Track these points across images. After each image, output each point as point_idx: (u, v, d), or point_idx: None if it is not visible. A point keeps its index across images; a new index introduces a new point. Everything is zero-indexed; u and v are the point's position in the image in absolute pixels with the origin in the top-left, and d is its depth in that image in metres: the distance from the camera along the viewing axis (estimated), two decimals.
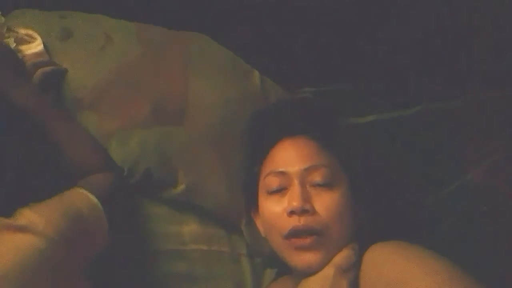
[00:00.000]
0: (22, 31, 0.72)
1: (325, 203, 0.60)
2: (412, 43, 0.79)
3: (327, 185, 0.61)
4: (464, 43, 0.77)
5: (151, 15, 0.78)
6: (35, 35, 0.72)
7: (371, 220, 0.63)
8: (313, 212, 0.59)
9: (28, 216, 0.51)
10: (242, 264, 0.71)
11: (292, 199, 0.60)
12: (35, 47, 0.71)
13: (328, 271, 0.58)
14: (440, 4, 0.77)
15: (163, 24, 0.78)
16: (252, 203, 0.67)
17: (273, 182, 0.62)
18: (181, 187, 0.70)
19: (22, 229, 0.49)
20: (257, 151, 0.66)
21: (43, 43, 0.71)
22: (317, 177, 0.60)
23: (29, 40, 0.71)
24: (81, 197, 0.57)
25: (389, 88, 0.79)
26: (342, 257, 0.59)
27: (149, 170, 0.69)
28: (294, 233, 0.59)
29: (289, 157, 0.62)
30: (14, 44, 0.70)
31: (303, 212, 0.59)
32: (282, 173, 0.62)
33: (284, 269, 0.67)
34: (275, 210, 0.61)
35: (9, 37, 0.70)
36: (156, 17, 0.78)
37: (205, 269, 0.69)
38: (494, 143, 0.73)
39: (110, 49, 0.74)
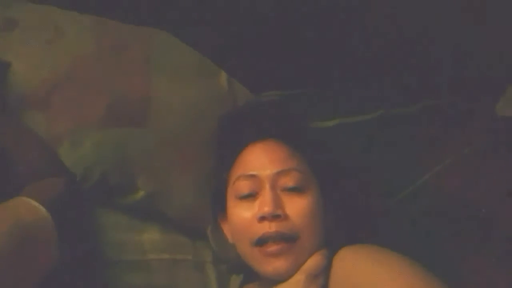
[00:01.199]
0: None
1: (296, 208, 0.59)
2: (373, 49, 0.80)
3: (298, 190, 0.59)
4: (422, 50, 0.79)
5: (107, 9, 0.73)
6: None
7: (340, 224, 0.63)
8: (284, 217, 0.58)
9: None
10: (207, 272, 0.68)
11: (263, 204, 0.58)
12: None
13: (299, 277, 0.57)
14: (401, 12, 0.79)
15: (122, 19, 0.73)
16: (219, 209, 0.64)
17: (244, 186, 0.60)
18: (140, 194, 0.66)
19: None
20: (226, 155, 0.64)
21: None
22: (288, 181, 0.59)
23: None
24: (26, 208, 0.51)
25: (351, 93, 0.79)
26: (312, 263, 0.58)
27: (105, 175, 0.65)
28: (264, 240, 0.58)
29: (260, 161, 0.61)
30: None
31: (274, 217, 0.58)
32: (253, 176, 0.60)
33: (250, 276, 0.65)
34: (245, 216, 0.59)
35: None
36: (114, 11, 0.73)
37: (167, 279, 0.66)
38: (448, 147, 0.75)
39: (61, 42, 0.68)
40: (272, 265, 0.57)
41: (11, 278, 0.46)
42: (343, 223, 0.63)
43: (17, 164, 0.58)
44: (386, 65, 0.80)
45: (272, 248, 0.57)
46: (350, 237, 0.60)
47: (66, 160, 0.63)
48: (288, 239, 0.57)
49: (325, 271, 0.57)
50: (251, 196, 0.60)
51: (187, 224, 0.68)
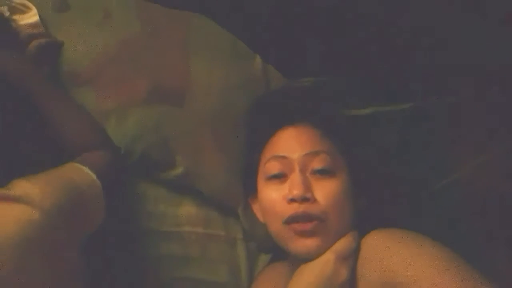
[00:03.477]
0: (17, 0, 0.69)
1: (325, 191, 0.60)
2: (407, 40, 0.80)
3: (327, 172, 0.61)
4: (460, 43, 0.78)
5: None
6: (30, 5, 0.69)
7: (369, 208, 0.64)
8: (313, 200, 0.59)
9: (24, 187, 0.49)
10: (237, 248, 0.71)
11: (293, 187, 0.59)
12: (30, 17, 0.68)
13: (328, 257, 0.58)
14: (434, 3, 0.78)
15: (164, 4, 0.76)
16: (251, 189, 0.66)
17: (274, 167, 0.62)
18: (179, 170, 0.69)
19: (17, 199, 0.48)
20: (258, 137, 0.66)
21: (39, 14, 0.69)
22: (317, 164, 0.60)
23: (23, 10, 0.69)
24: (79, 172, 0.55)
25: (386, 82, 0.79)
26: (343, 244, 0.59)
27: (147, 151, 0.68)
28: (294, 219, 0.59)
29: (290, 143, 0.62)
30: (8, 13, 0.67)
31: (303, 200, 0.59)
32: (283, 158, 0.62)
33: (278, 255, 0.67)
34: (275, 197, 0.61)
35: (2, 6, 0.67)
36: None
37: (200, 251, 0.69)
38: (483, 143, 0.75)
39: (109, 24, 0.71)
40: (302, 243, 0.58)
41: (61, 234, 0.50)
42: (372, 207, 0.64)
43: (68, 136, 0.62)
44: (421, 55, 0.79)
45: (303, 226, 0.58)
46: (379, 221, 0.61)
47: (112, 135, 0.66)
48: (317, 219, 0.58)
49: (354, 253, 0.58)
50: (281, 177, 0.61)
51: (220, 201, 0.71)
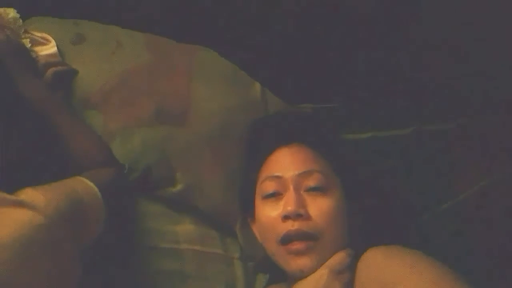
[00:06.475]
0: (38, 34, 0.76)
1: (319, 208, 0.61)
2: (410, 66, 0.82)
3: (321, 190, 0.62)
4: (460, 68, 0.80)
5: (160, 29, 0.83)
6: (50, 38, 0.76)
7: (365, 226, 0.64)
8: (307, 217, 0.61)
9: (29, 193, 0.53)
10: (235, 267, 0.72)
11: (287, 204, 0.61)
12: (49, 49, 0.75)
13: (321, 272, 0.59)
14: (439, 30, 0.81)
15: (172, 37, 0.82)
16: (248, 209, 0.68)
17: (269, 186, 0.64)
18: (178, 187, 0.72)
19: (22, 204, 0.51)
20: (255, 158, 0.68)
21: (57, 46, 0.75)
22: (311, 182, 0.62)
23: (43, 42, 0.76)
24: (82, 185, 0.59)
25: (387, 108, 0.81)
26: (336, 259, 0.60)
27: (149, 168, 0.72)
28: (288, 238, 0.61)
29: (285, 163, 0.64)
30: (30, 45, 0.74)
31: (297, 216, 0.60)
32: (278, 177, 0.64)
33: (276, 275, 0.67)
34: (271, 215, 0.63)
35: (25, 38, 0.74)
36: (165, 31, 0.83)
37: (197, 269, 0.70)
38: (487, 166, 0.75)
39: (120, 54, 0.77)
40: (295, 262, 0.60)
41: (62, 240, 0.52)
42: (367, 225, 0.65)
43: (76, 154, 0.66)
44: (421, 81, 0.81)
45: (297, 246, 0.60)
46: (375, 239, 0.62)
47: (117, 153, 0.70)
48: (310, 238, 0.60)
49: (350, 270, 0.59)
50: (276, 196, 0.63)
51: (218, 218, 0.72)
